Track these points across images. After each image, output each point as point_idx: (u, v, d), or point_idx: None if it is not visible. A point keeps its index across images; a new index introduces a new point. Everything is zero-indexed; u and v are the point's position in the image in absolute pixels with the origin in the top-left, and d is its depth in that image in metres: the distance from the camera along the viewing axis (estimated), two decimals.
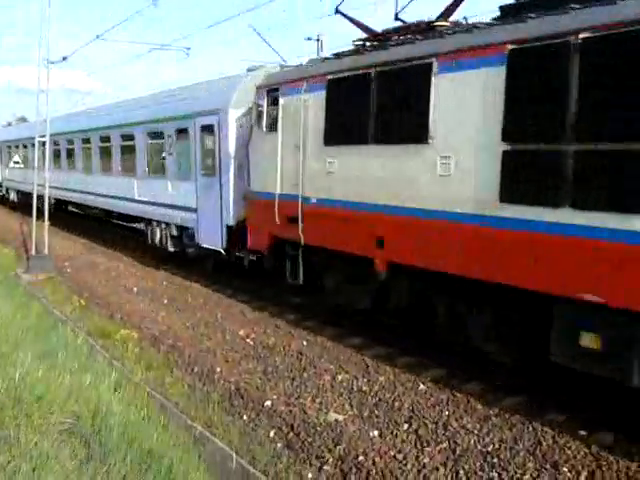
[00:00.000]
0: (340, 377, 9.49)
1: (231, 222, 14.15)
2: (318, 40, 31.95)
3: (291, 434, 7.84)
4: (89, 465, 5.58)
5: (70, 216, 30.67)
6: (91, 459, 5.70)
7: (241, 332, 11.93)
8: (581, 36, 6.84)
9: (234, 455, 6.98)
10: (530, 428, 7.63)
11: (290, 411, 8.44)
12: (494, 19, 8.65)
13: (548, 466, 6.79)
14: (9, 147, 36.06)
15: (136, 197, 19.20)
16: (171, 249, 17.75)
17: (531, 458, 6.97)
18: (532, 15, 7.71)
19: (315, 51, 30.49)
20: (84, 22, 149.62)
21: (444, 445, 7.38)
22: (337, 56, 11.17)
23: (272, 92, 12.34)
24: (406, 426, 7.89)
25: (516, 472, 6.71)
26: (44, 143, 19.89)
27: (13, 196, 36.11)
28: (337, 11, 12.01)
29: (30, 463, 5.20)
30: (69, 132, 25.64)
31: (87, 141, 23.63)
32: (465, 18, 9.90)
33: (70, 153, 26.07)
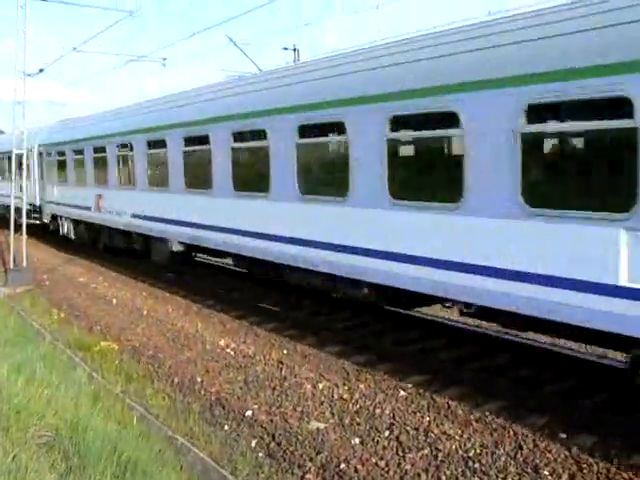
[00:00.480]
0: (321, 385, 9.48)
1: None
2: (295, 50, 32.17)
3: (273, 443, 7.81)
4: (69, 478, 5.54)
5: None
6: (70, 472, 5.65)
7: (221, 342, 11.89)
8: None
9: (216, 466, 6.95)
10: (511, 432, 7.66)
11: (271, 420, 8.42)
12: None
13: (529, 470, 6.83)
14: (61, 153, 23.25)
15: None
16: None
17: (512, 462, 7.00)
18: None
19: (292, 61, 30.66)
20: (63, 34, 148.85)
21: (425, 451, 7.39)
22: None
23: None
24: (387, 433, 7.89)
25: (497, 476, 6.74)
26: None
27: (67, 229, 23.83)
28: None
29: (8, 477, 5.14)
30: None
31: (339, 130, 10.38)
32: None
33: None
